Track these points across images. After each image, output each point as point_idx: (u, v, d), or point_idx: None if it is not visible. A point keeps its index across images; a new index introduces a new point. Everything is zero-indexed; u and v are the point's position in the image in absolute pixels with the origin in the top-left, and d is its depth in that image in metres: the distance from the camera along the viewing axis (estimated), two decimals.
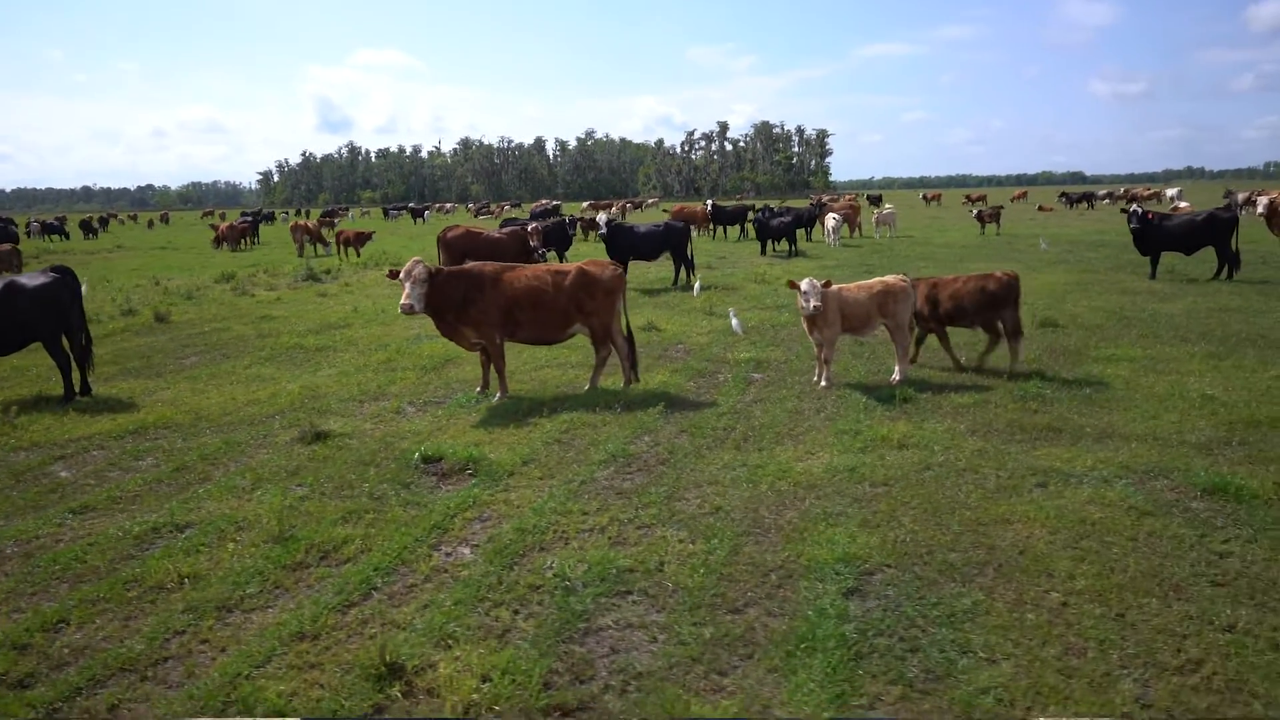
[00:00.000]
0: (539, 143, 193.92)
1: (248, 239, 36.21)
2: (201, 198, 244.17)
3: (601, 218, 17.82)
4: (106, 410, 8.66)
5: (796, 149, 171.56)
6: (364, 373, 10.21)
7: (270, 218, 66.00)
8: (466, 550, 5.25)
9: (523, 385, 9.32)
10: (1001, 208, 44.70)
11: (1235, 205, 38.68)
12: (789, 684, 3.71)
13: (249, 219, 38.89)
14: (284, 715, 3.58)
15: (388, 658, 3.83)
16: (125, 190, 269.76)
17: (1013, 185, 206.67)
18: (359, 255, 27.70)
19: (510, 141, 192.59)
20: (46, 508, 6.08)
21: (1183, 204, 50.87)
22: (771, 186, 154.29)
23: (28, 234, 45.89)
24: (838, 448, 6.92)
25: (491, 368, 8.86)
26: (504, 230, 17.18)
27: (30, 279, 9.11)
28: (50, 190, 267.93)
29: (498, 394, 8.74)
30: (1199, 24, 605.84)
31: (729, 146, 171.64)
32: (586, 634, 4.24)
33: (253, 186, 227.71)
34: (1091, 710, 3.52)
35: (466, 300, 8.50)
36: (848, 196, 68.45)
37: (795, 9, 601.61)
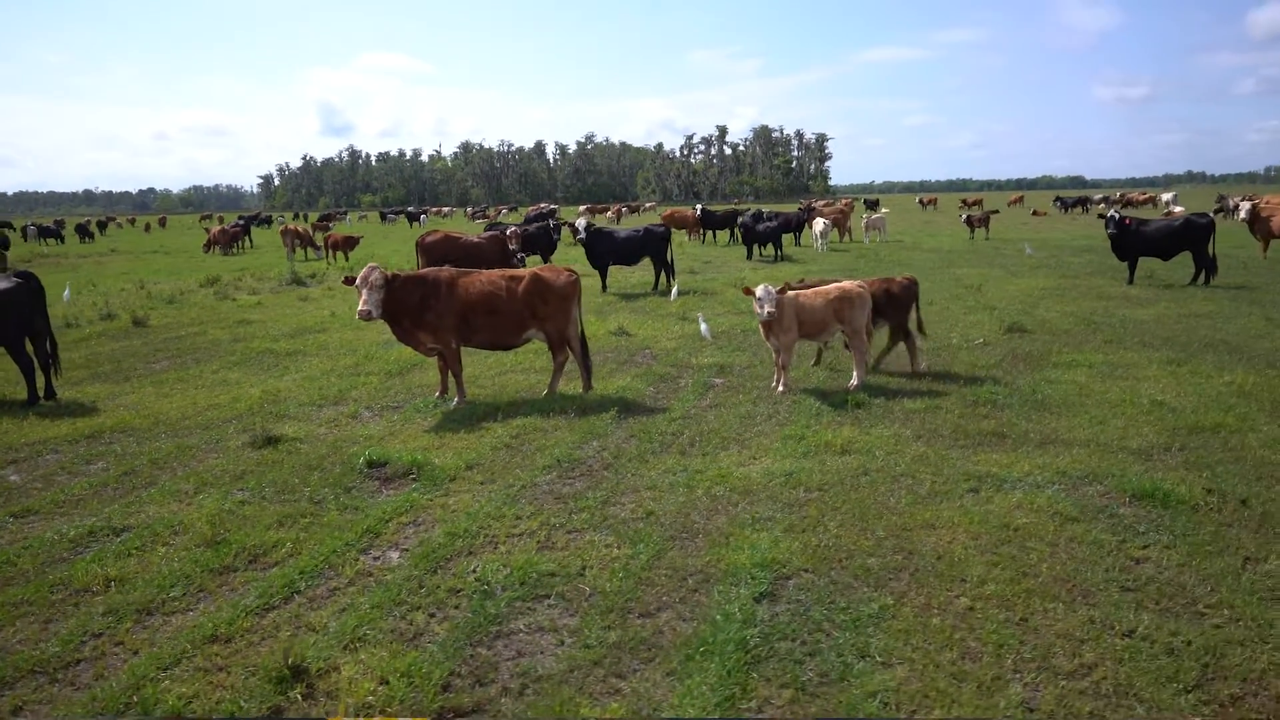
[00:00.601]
0: (539, 146, 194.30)
1: (240, 243, 36.29)
2: (203, 201, 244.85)
3: (580, 223, 17.89)
4: (67, 414, 8.73)
5: (796, 153, 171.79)
6: (329, 377, 10.27)
7: (268, 221, 66.11)
8: (395, 554, 5.31)
9: (483, 390, 9.38)
10: (996, 211, 44.83)
11: (1227, 210, 38.78)
12: (682, 687, 3.76)
13: (240, 223, 38.97)
14: (181, 717, 3.63)
15: (291, 660, 3.88)
16: (127, 194, 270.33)
17: (1014, 189, 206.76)
18: (348, 259, 27.78)
19: (510, 145, 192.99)
20: None
21: (1178, 208, 50.99)
22: (771, 190, 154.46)
23: (24, 237, 46.10)
24: (780, 453, 6.97)
25: (449, 373, 8.90)
26: (483, 235, 17.22)
27: None
28: (52, 194, 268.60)
29: (455, 399, 8.80)
30: (1200, 28, 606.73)
31: (728, 150, 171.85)
32: (497, 637, 4.29)
33: (254, 190, 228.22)
34: (975, 713, 3.57)
35: (423, 306, 8.56)
36: (844, 200, 68.59)
37: (798, 12, 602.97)
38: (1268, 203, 32.24)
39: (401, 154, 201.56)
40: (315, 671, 3.93)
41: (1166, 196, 61.07)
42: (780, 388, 9.04)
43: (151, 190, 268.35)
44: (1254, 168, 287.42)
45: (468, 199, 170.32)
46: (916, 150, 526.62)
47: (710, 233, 34.06)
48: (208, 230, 42.40)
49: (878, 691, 3.70)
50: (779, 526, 5.47)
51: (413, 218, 64.43)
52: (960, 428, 7.51)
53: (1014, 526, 5.37)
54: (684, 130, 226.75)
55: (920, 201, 73.72)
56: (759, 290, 8.74)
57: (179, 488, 6.48)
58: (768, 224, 25.07)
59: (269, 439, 7.49)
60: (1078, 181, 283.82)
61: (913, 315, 9.82)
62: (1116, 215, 17.29)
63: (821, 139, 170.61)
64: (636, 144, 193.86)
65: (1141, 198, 63.92)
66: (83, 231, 48.56)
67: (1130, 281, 17.28)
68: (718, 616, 4.34)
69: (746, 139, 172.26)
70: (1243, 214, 22.27)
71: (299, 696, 3.77)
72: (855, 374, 9.15)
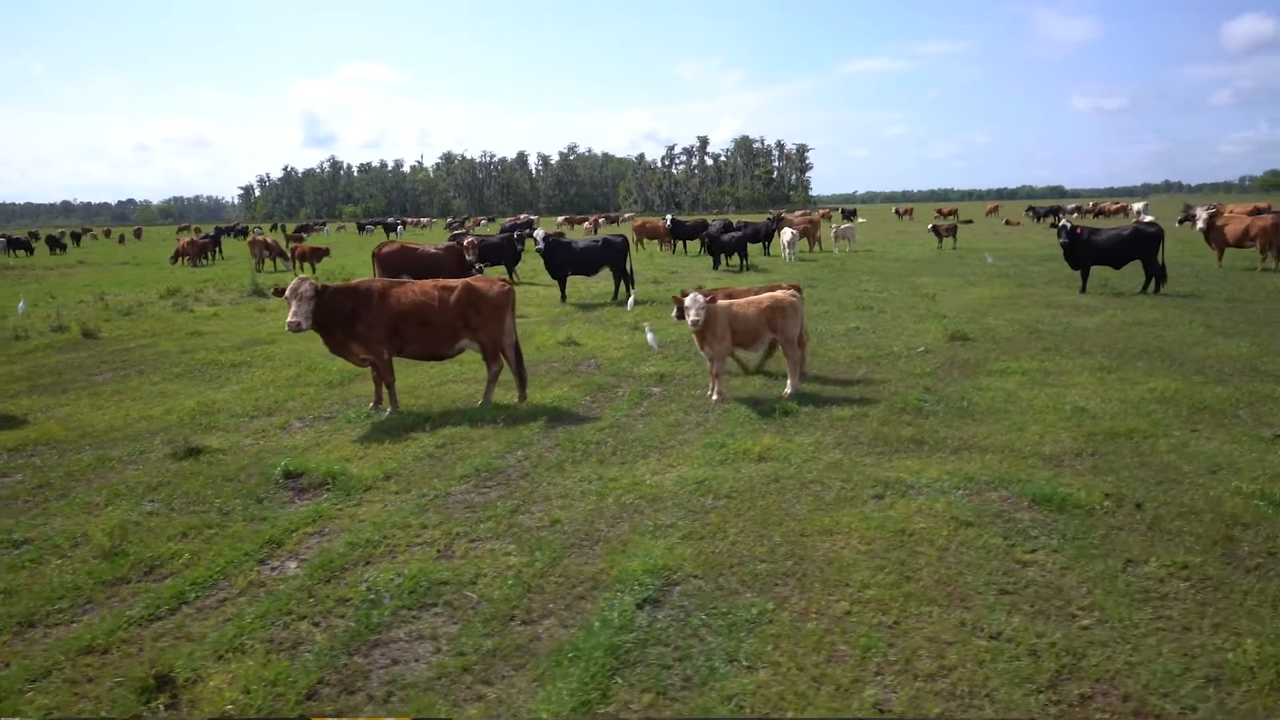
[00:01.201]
0: (521, 157, 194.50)
1: (209, 254, 36.09)
2: (183, 212, 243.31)
3: (539, 233, 17.92)
4: None
5: (777, 163, 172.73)
6: (268, 388, 10.24)
7: (243, 232, 65.77)
8: (293, 564, 5.31)
9: (418, 400, 9.38)
10: (970, 221, 45.24)
11: (1193, 220, 39.33)
12: (543, 693, 3.79)
13: (209, 235, 38.77)
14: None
15: (156, 670, 3.89)
16: (106, 205, 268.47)
17: (994, 199, 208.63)
18: (315, 271, 27.68)
19: (492, 156, 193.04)
20: None
21: (1147, 218, 51.72)
22: (752, 201, 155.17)
23: None
24: (699, 460, 7.02)
25: (383, 383, 8.91)
26: (440, 246, 17.24)
27: None
28: (30, 205, 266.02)
29: (388, 409, 8.80)
30: (1177, 40, 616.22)
31: (709, 161, 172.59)
32: (375, 645, 4.31)
33: (234, 201, 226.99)
34: (826, 714, 3.62)
35: (354, 317, 8.57)
36: (821, 211, 68.98)
37: (781, 24, 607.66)
38: (1231, 212, 32.76)
39: (383, 165, 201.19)
40: (182, 681, 3.93)
41: (1137, 206, 61.79)
42: (714, 396, 9.11)
43: (131, 201, 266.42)
44: (1229, 177, 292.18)
45: (450, 210, 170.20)
46: (899, 161, 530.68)
47: (681, 243, 34.16)
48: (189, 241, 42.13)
49: (735, 695, 3.74)
50: (678, 533, 5.51)
51: (389, 228, 64.25)
52: (880, 434, 7.59)
53: (909, 532, 5.44)
54: (668, 141, 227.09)
55: (897, 212, 74.26)
56: (687, 299, 8.82)
57: (90, 500, 6.45)
58: (732, 234, 25.20)
59: (191, 450, 7.47)
60: (1057, 191, 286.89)
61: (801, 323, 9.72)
62: (1068, 225, 17.52)
63: (802, 149, 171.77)
64: (620, 155, 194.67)
65: (1114, 207, 64.64)
66: (54, 243, 48.20)
67: (1083, 290, 17.49)
68: (596, 623, 4.37)
69: (728, 150, 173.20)
70: (1199, 223, 22.58)
71: (161, 706, 3.77)
72: (790, 382, 9.22)
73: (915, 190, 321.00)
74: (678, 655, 4.11)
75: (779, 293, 9.29)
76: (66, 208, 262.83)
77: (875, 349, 11.66)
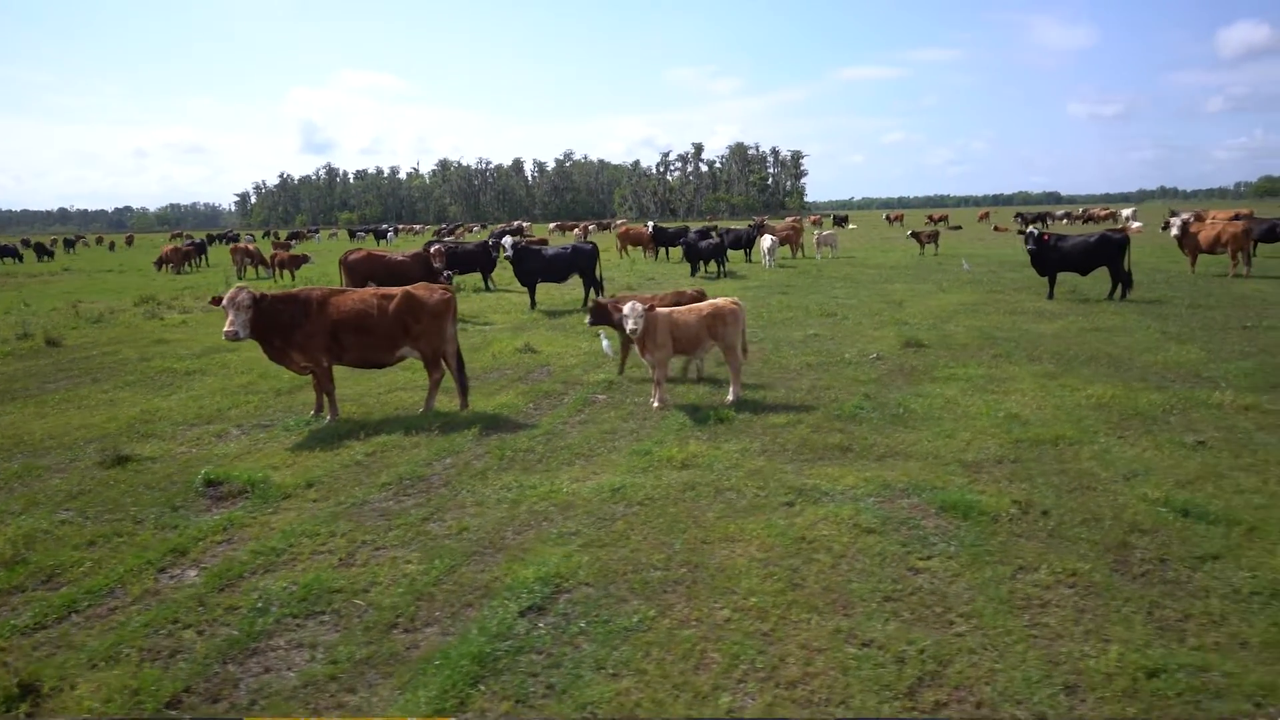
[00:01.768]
0: (517, 164, 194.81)
1: (193, 261, 36.12)
2: (180, 219, 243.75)
3: (507, 240, 17.97)
4: None
5: (772, 170, 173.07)
6: (215, 396, 10.26)
7: (235, 239, 65.82)
8: (193, 572, 5.32)
9: (363, 408, 9.40)
10: (959, 227, 45.31)
11: (1190, 224, 39.48)
12: (401, 700, 3.81)
13: (193, 242, 38.81)
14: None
15: (21, 679, 3.90)
16: (103, 212, 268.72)
17: (990, 205, 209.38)
18: (294, 278, 27.71)
19: (489, 163, 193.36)
20: None
21: (1135, 224, 51.90)
22: (747, 207, 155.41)
23: None
24: (622, 468, 7.04)
25: (323, 391, 8.93)
26: (407, 253, 17.26)
27: None
28: (26, 212, 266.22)
29: (329, 417, 8.82)
30: (1171, 47, 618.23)
31: (704, 168, 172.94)
32: (253, 654, 4.32)
33: (231, 208, 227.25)
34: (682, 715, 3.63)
35: (293, 325, 8.59)
36: (813, 218, 69.11)
37: (776, 32, 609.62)
38: (1214, 218, 32.85)
39: (379, 171, 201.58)
40: (47, 690, 3.94)
41: (1126, 212, 62.11)
42: (656, 403, 9.13)
43: (128, 208, 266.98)
44: (1224, 183, 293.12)
45: (445, 216, 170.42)
46: (895, 167, 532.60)
47: (664, 249, 34.20)
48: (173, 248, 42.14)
49: (591, 703, 3.75)
50: (580, 541, 5.53)
51: (380, 235, 64.32)
52: (808, 441, 7.62)
53: (809, 539, 5.46)
54: (664, 148, 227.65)
55: (888, 218, 74.44)
56: (626, 308, 8.85)
57: (8, 508, 6.46)
58: (709, 241, 25.27)
59: (119, 458, 7.48)
60: (1053, 197, 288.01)
61: None
62: (1035, 232, 17.59)
63: (797, 156, 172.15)
64: (616, 161, 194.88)
65: (1103, 213, 64.84)
66: (41, 250, 48.23)
67: (1050, 296, 17.54)
68: (474, 630, 4.39)
69: (723, 156, 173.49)
70: (1174, 230, 22.64)
71: (23, 715, 3.78)
72: (732, 389, 9.25)
73: (912, 196, 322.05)
74: (548, 663, 4.12)
75: (720, 300, 9.32)
76: (63, 215, 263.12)
77: (827, 356, 11.69)
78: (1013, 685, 3.82)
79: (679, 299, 9.88)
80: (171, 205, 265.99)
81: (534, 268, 17.71)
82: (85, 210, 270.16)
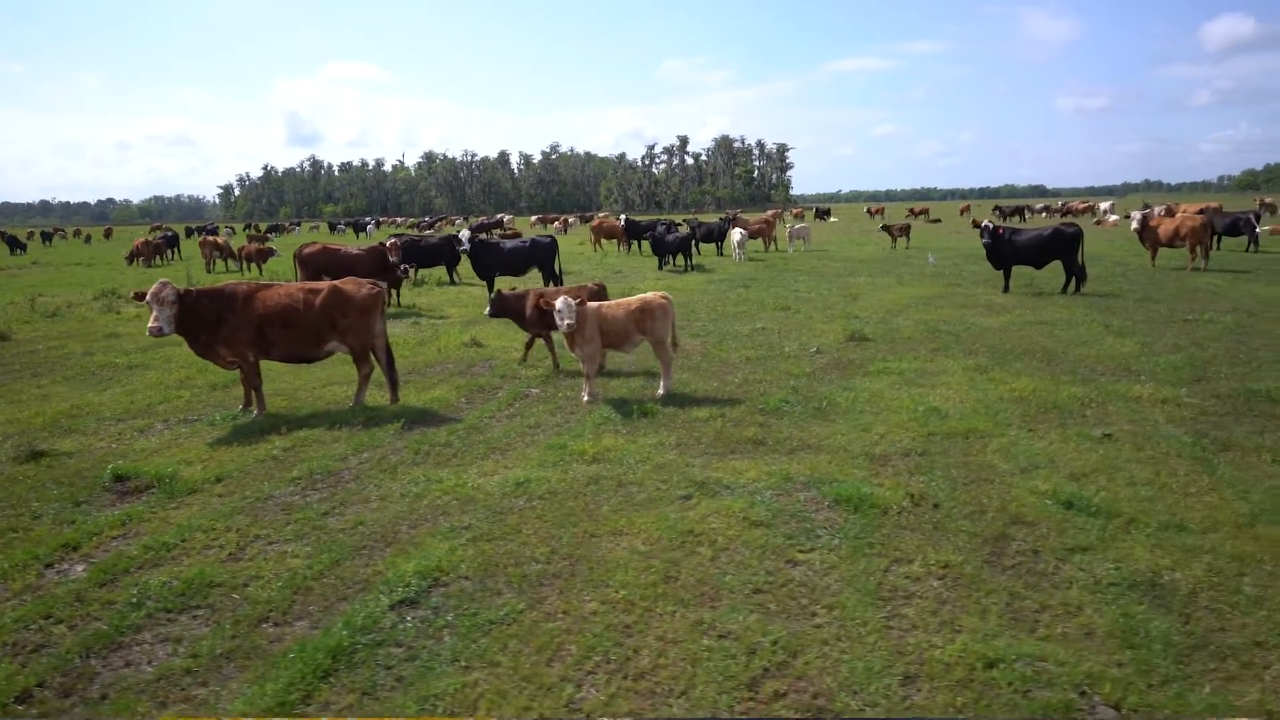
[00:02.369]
0: (503, 156, 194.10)
1: (164, 255, 35.89)
2: (163, 211, 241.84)
3: (464, 234, 17.94)
4: None
5: (758, 162, 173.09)
6: (151, 390, 10.23)
7: (213, 232, 65.35)
8: (81, 567, 5.32)
9: (294, 402, 9.40)
10: (939, 220, 45.47)
11: (1150, 218, 39.78)
12: (249, 693, 3.84)
13: (164, 235, 38.55)
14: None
15: None
16: (85, 204, 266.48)
17: (978, 198, 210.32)
18: (261, 271, 27.59)
19: (474, 155, 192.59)
20: None
21: (1112, 217, 52.23)
22: (732, 200, 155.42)
23: None
24: (533, 461, 7.08)
25: (249, 386, 8.93)
26: (362, 247, 17.21)
27: None
28: (7, 205, 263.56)
29: (255, 411, 8.83)
30: (1157, 41, 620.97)
31: (690, 160, 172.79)
32: (118, 648, 4.34)
33: (215, 200, 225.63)
34: (516, 712, 3.68)
35: (218, 320, 8.58)
36: (795, 210, 69.15)
37: (766, 23, 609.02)
38: (1184, 211, 33.10)
39: (364, 164, 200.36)
40: None
41: (1104, 205, 62.36)
42: (586, 397, 9.17)
43: (111, 200, 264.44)
44: (1209, 176, 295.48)
45: (431, 209, 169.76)
46: (884, 159, 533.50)
47: (637, 243, 34.18)
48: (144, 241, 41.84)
49: (432, 695, 3.80)
50: (470, 535, 5.57)
51: (359, 228, 64.05)
52: (724, 435, 7.67)
53: (696, 532, 5.51)
54: (653, 140, 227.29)
55: (869, 211, 74.60)
56: (558, 303, 8.88)
57: None
58: (675, 235, 25.32)
59: (35, 454, 7.46)
60: (1039, 190, 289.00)
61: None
62: (990, 225, 17.69)
63: (783, 149, 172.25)
64: (604, 154, 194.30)
65: (1081, 207, 65.16)
66: (13, 244, 47.81)
67: (1005, 290, 17.66)
68: (339, 624, 4.42)
69: (708, 149, 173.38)
70: (1134, 224, 22.81)
71: None
72: (662, 383, 9.30)
73: (900, 189, 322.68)
74: (405, 656, 4.16)
75: (649, 295, 9.36)
76: (45, 207, 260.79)
77: (769, 350, 11.76)
78: (854, 675, 3.89)
79: (579, 293, 10.00)
80: (155, 197, 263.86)
81: (491, 262, 17.70)
82: (68, 202, 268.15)
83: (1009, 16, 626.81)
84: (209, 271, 30.07)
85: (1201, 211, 29.05)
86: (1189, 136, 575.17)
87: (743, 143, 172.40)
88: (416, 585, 4.86)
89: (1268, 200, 54.07)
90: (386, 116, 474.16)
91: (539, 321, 10.55)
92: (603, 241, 35.93)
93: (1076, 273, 17.17)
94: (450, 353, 12.30)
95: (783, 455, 7.13)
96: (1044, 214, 64.50)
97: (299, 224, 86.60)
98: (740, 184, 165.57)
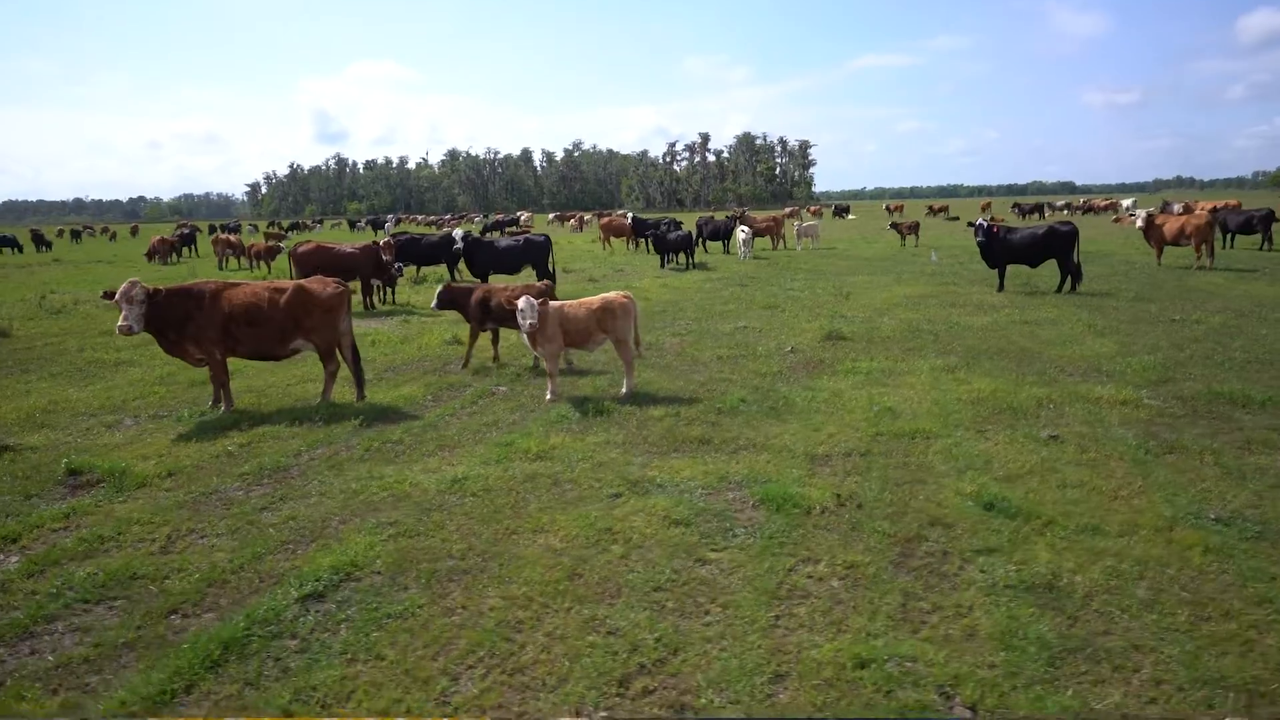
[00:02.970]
0: (526, 154, 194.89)
1: (180, 252, 36.49)
2: (193, 209, 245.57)
3: (457, 233, 18.10)
4: None
5: (780, 159, 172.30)
6: (132, 386, 10.46)
7: (235, 229, 66.30)
8: (15, 559, 5.49)
9: (264, 399, 9.58)
10: (956, 218, 45.01)
11: (1172, 214, 39.29)
12: (129, 684, 3.96)
13: (181, 233, 39.21)
14: None
15: None
16: (117, 202, 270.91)
17: (1004, 195, 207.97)
18: (269, 269, 27.98)
19: (497, 153, 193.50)
20: None
21: (1132, 215, 51.49)
22: (754, 197, 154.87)
23: None
24: (477, 459, 7.18)
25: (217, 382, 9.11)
26: (356, 246, 17.43)
27: None
28: (42, 202, 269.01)
29: (223, 407, 9.01)
30: (1190, 34, 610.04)
31: (711, 157, 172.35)
32: (28, 636, 4.48)
33: (243, 198, 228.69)
34: (386, 706, 3.77)
35: (186, 318, 8.77)
36: (812, 209, 68.82)
37: (788, 21, 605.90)
38: (1202, 209, 32.55)
39: (389, 162, 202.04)
40: None
41: (1126, 202, 61.52)
42: (549, 396, 9.26)
43: (142, 198, 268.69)
44: (1243, 172, 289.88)
45: (454, 206, 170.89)
46: (908, 156, 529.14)
47: (644, 240, 34.19)
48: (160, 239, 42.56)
49: (307, 687, 3.90)
50: (394, 530, 5.67)
51: (377, 225, 64.67)
52: (672, 434, 7.73)
53: (614, 530, 5.58)
54: (679, 138, 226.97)
55: (887, 208, 74.05)
56: (521, 303, 8.97)
57: None
58: (677, 234, 25.36)
59: (1, 448, 7.68)
60: (1068, 187, 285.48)
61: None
62: (984, 224, 17.56)
63: (805, 146, 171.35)
64: (626, 151, 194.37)
65: (1103, 204, 64.28)
66: (39, 240, 48.77)
67: (1000, 288, 17.52)
68: (240, 616, 4.54)
69: (730, 146, 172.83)
70: (1139, 222, 22.51)
71: None
72: (625, 381, 9.36)
73: (925, 186, 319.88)
74: (298, 648, 4.27)
75: (610, 294, 9.42)
76: (78, 205, 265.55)
77: (744, 349, 11.78)
78: (726, 673, 3.94)
79: (526, 292, 10.12)
80: (185, 195, 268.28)
81: (486, 260, 17.84)
82: (100, 200, 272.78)
83: (1034, 11, 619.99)
84: (221, 268, 30.56)
85: (1216, 210, 28.58)
86: (1223, 132, 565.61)
87: (764, 140, 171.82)
88: (328, 579, 4.97)
89: None
90: (413, 114, 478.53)
91: (480, 316, 10.75)
92: (611, 240, 36.01)
93: (1072, 271, 17.00)
94: (431, 350, 12.45)
95: (725, 455, 7.17)
96: (1065, 211, 63.61)
97: (321, 222, 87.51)
98: (762, 181, 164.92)
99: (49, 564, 5.35)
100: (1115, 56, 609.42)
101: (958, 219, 60.36)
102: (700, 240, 31.47)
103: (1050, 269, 18.22)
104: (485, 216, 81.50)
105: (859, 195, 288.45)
